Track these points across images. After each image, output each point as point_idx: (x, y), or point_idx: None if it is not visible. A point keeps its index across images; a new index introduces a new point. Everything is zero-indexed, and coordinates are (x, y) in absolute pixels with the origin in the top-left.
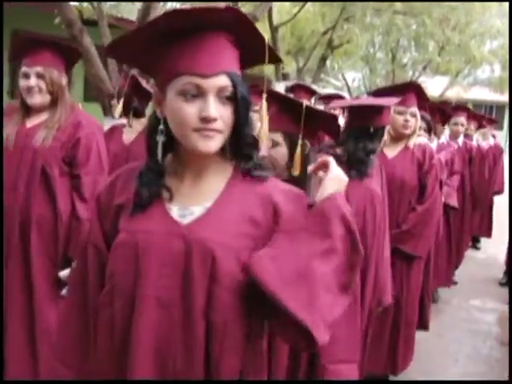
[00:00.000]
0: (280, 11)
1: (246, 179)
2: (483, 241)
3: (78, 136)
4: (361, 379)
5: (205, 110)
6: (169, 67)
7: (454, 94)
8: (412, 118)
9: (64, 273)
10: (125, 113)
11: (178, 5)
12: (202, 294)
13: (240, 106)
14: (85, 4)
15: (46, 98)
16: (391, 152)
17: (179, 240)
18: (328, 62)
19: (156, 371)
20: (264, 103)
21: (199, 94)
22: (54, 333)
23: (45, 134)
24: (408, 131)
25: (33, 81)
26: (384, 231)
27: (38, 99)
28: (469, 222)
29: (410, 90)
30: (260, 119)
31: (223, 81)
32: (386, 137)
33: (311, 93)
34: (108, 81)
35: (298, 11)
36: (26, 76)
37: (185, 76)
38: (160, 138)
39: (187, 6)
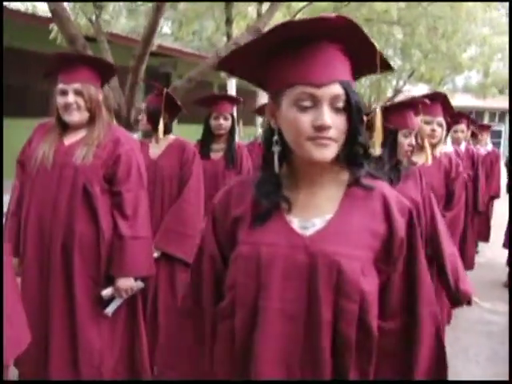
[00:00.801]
0: (270, 23)
1: (361, 188)
2: (480, 245)
3: (118, 153)
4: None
5: (319, 119)
6: (282, 78)
7: None
8: (438, 127)
9: (106, 291)
10: (154, 129)
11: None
12: (328, 306)
13: (353, 114)
14: (82, 21)
15: (85, 115)
16: (418, 161)
17: (303, 252)
18: None
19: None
20: (378, 112)
21: (313, 103)
22: (96, 352)
23: (85, 152)
24: (435, 140)
25: (71, 98)
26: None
27: (77, 116)
28: (471, 227)
29: (436, 100)
30: (375, 128)
31: (336, 89)
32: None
33: None
34: (111, 96)
35: None
36: (64, 93)
37: (299, 86)
38: (276, 149)
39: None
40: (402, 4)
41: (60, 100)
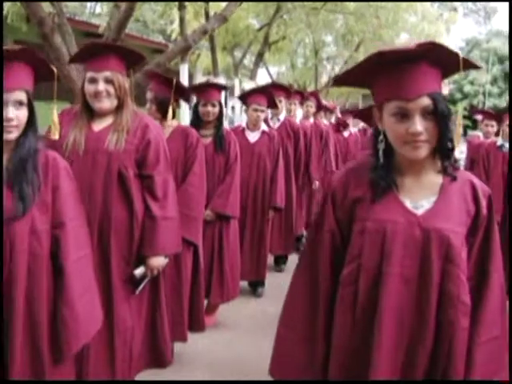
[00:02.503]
0: (217, 9)
1: (450, 176)
2: None
3: (148, 138)
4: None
5: (412, 127)
6: (382, 94)
7: None
8: None
9: (139, 271)
10: (164, 116)
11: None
12: (437, 271)
13: (440, 119)
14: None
15: (114, 103)
16: None
17: (417, 228)
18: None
19: (396, 334)
20: (460, 112)
21: (406, 114)
22: (129, 330)
23: (116, 138)
24: None
25: (101, 85)
26: None
27: (107, 104)
28: None
29: None
30: (457, 124)
31: (425, 101)
32: None
33: (287, 91)
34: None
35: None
36: (94, 81)
37: (394, 101)
38: (380, 146)
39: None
40: None
41: (89, 88)
